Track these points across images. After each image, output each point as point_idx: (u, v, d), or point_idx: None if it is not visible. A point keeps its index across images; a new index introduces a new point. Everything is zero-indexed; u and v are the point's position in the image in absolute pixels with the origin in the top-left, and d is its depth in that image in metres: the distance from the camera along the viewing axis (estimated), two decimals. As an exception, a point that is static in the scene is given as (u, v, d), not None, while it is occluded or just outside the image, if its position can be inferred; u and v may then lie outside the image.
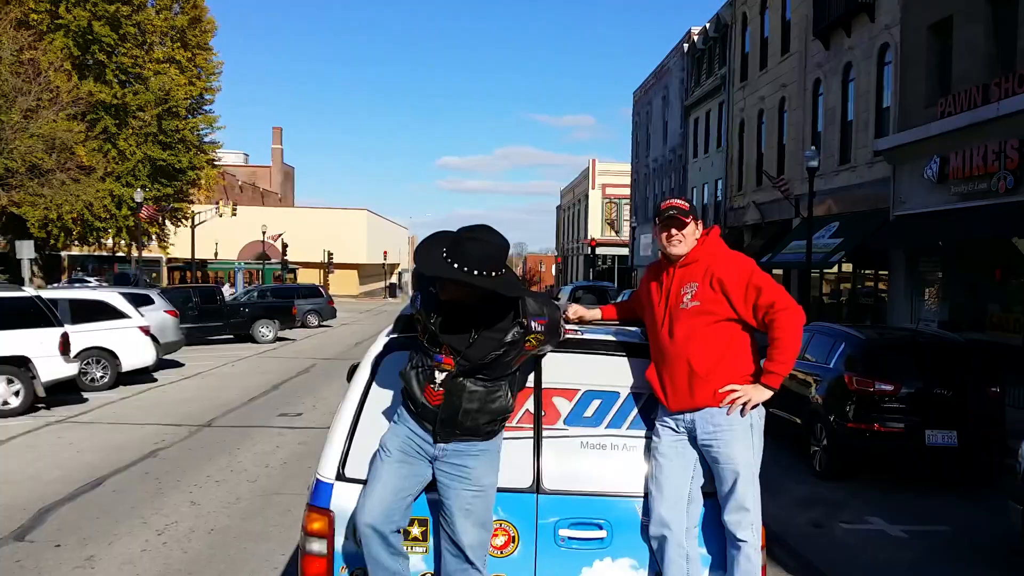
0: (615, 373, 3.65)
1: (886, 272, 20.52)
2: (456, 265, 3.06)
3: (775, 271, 25.62)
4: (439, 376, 3.24)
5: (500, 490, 3.37)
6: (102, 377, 14.72)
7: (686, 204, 3.63)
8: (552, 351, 3.58)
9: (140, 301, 17.05)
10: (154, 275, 51.36)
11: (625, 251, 55.79)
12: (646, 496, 3.46)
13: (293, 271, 57.58)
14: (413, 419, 3.34)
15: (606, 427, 3.55)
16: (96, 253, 43.57)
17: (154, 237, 38.81)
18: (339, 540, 3.37)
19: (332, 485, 3.42)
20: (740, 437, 3.46)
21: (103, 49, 33.19)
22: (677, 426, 3.51)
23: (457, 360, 3.21)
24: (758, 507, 3.45)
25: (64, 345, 12.68)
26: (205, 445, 10.22)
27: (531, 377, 3.56)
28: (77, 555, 6.24)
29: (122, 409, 12.93)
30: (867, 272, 22.42)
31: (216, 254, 58.78)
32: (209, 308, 24.02)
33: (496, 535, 3.37)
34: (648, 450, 3.54)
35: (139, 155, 34.39)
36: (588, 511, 3.40)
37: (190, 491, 8.06)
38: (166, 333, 17.40)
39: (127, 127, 34.06)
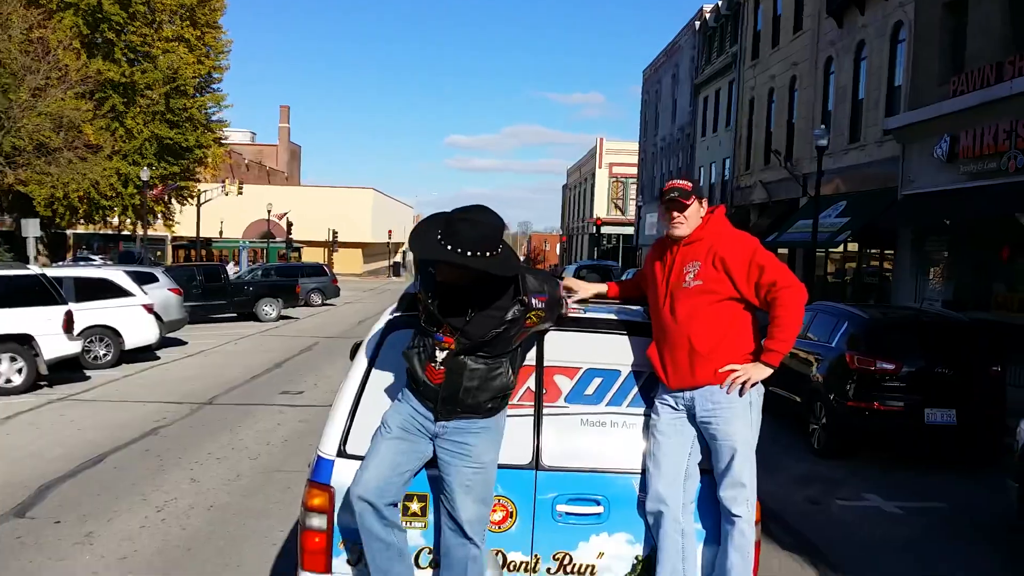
0: (617, 351, 3.68)
1: (892, 251, 20.43)
2: (450, 247, 3.05)
3: (780, 250, 25.52)
4: (440, 355, 3.25)
5: (500, 467, 3.40)
6: (105, 355, 14.75)
7: (688, 184, 3.61)
8: (554, 329, 3.61)
9: (144, 279, 17.06)
10: (159, 253, 51.50)
11: (630, 230, 55.71)
12: (643, 473, 3.49)
13: (298, 250, 57.62)
14: (416, 397, 3.35)
15: (606, 405, 3.58)
16: (101, 231, 43.72)
17: (160, 216, 38.84)
18: (339, 516, 3.40)
19: (333, 461, 3.45)
20: (739, 414, 3.49)
21: (112, 27, 33.00)
22: (676, 404, 3.54)
23: (457, 338, 3.21)
24: (754, 483, 3.48)
25: (68, 323, 12.70)
26: (207, 423, 10.24)
27: (533, 355, 3.58)
28: (77, 531, 6.27)
29: (124, 387, 12.97)
30: (873, 251, 22.33)
31: (221, 232, 58.83)
32: (213, 286, 24.05)
33: (494, 510, 3.41)
34: (647, 428, 3.56)
35: (146, 133, 34.31)
36: (586, 487, 3.45)
37: (191, 468, 8.08)
38: (170, 311, 17.41)
39: (135, 105, 33.96)
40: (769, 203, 28.55)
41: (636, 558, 3.48)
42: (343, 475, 3.38)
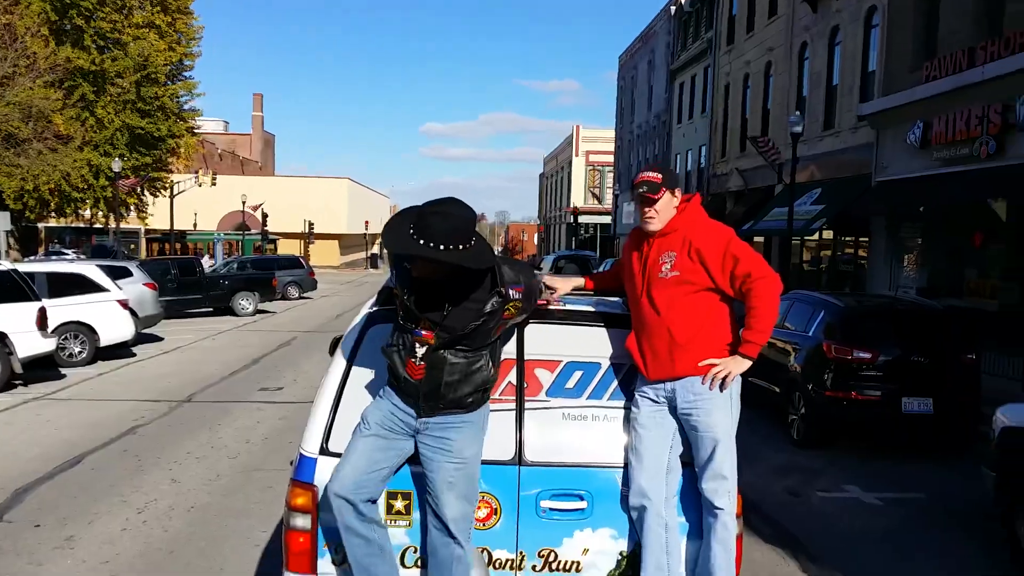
0: (596, 344, 3.69)
1: (866, 239, 20.60)
2: (422, 241, 3.03)
3: (756, 239, 25.65)
4: (420, 350, 3.23)
5: (483, 463, 3.39)
6: (80, 352, 14.57)
7: (658, 176, 3.59)
8: (534, 322, 3.61)
9: (118, 274, 16.86)
10: (132, 247, 50.92)
11: (608, 219, 55.76)
12: (626, 466, 3.50)
13: (273, 242, 57.17)
14: (397, 394, 3.34)
15: (587, 398, 3.58)
16: (73, 225, 43.07)
17: (132, 208, 38.35)
18: (323, 515, 3.38)
19: (316, 460, 3.43)
20: (720, 406, 3.51)
21: (81, 13, 32.42)
22: (656, 396, 3.54)
23: (437, 332, 3.19)
24: (735, 475, 3.51)
25: (42, 320, 12.52)
26: (185, 421, 10.16)
27: (514, 349, 3.58)
28: (57, 535, 6.20)
29: (100, 385, 12.83)
30: (847, 239, 22.50)
31: (195, 225, 58.21)
32: (188, 280, 23.79)
33: (479, 507, 3.40)
34: (628, 421, 3.57)
35: (117, 123, 33.82)
36: (569, 482, 3.44)
37: (170, 468, 8.02)
38: (145, 306, 17.23)
39: (105, 94, 33.43)
40: (745, 191, 28.67)
41: (621, 554, 3.49)
42: (326, 474, 3.36)
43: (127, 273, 17.66)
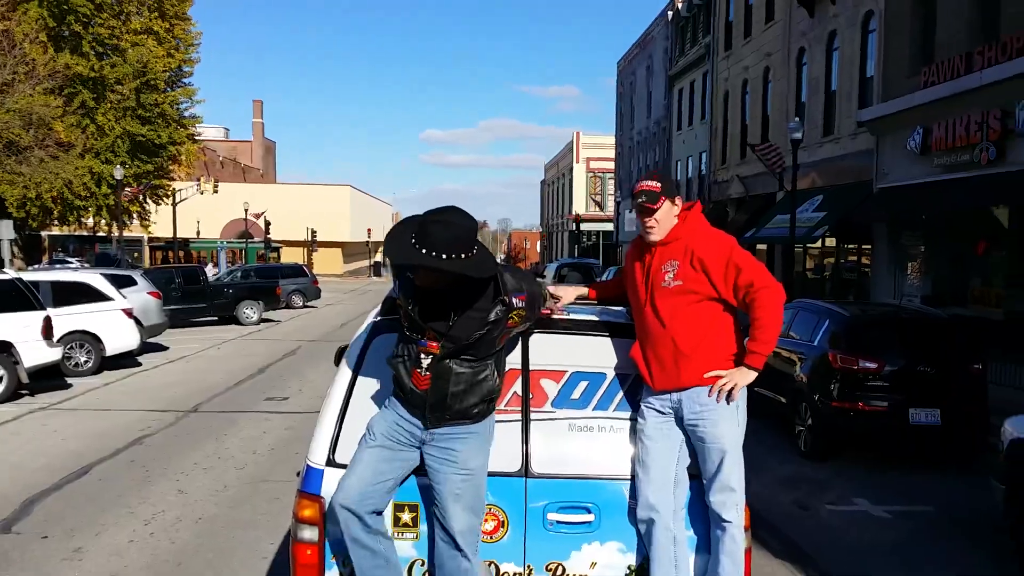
0: (601, 354, 3.67)
1: (869, 246, 20.55)
2: (424, 250, 3.03)
3: (759, 246, 25.63)
4: (425, 360, 3.23)
5: (489, 474, 3.37)
6: (86, 362, 14.60)
7: (657, 185, 3.58)
8: (538, 332, 3.60)
9: (123, 282, 16.88)
10: (136, 255, 50.97)
11: (610, 226, 55.71)
12: (633, 479, 3.48)
13: (276, 250, 57.20)
14: (403, 405, 3.34)
15: (593, 409, 3.56)
16: (77, 233, 43.10)
17: (135, 216, 38.40)
18: (329, 527, 3.37)
19: (323, 471, 3.42)
20: (727, 416, 3.49)
21: (79, 19, 32.44)
22: (662, 407, 3.53)
23: (442, 343, 3.20)
24: (743, 487, 3.49)
25: (47, 329, 12.55)
26: (191, 431, 10.18)
27: (519, 359, 3.57)
28: (65, 546, 6.22)
29: (107, 395, 12.85)
30: (850, 247, 22.46)
31: (198, 233, 58.27)
32: (192, 289, 23.84)
33: (486, 520, 3.39)
34: (634, 432, 3.55)
35: (118, 130, 33.84)
36: (576, 494, 3.43)
37: (177, 479, 8.04)
38: (150, 315, 17.25)
39: (105, 101, 33.45)
40: (746, 197, 28.66)
41: (629, 567, 3.47)
42: (333, 485, 3.35)
43: (131, 282, 17.69)
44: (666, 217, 3.57)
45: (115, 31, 33.44)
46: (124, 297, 15.54)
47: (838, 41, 21.86)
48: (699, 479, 3.54)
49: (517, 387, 3.55)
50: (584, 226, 60.79)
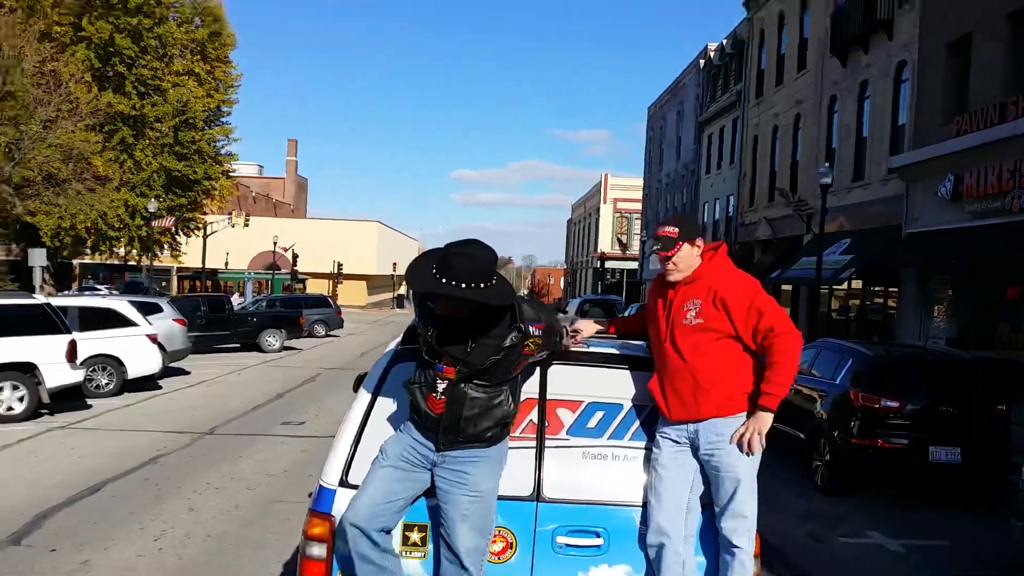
0: (619, 385, 3.71)
1: (896, 289, 20.38)
2: (444, 280, 3.13)
3: (784, 287, 25.47)
4: (441, 385, 3.29)
5: (501, 498, 3.40)
6: (107, 384, 14.74)
7: (675, 231, 3.65)
8: (557, 363, 3.65)
9: (149, 309, 17.14)
10: (164, 284, 51.63)
11: (634, 265, 55.79)
12: (644, 505, 3.50)
13: (303, 281, 57.75)
14: (417, 429, 3.38)
15: (608, 438, 3.60)
16: (108, 261, 43.85)
17: (166, 247, 39.01)
18: (338, 545, 3.39)
19: (335, 491, 3.47)
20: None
21: (124, 61, 33.43)
22: (678, 437, 3.56)
23: (458, 368, 3.25)
24: (755, 516, 3.51)
25: (71, 352, 12.72)
26: (207, 452, 10.20)
27: (536, 388, 3.61)
28: (72, 560, 6.22)
29: (126, 416, 12.94)
30: (876, 289, 22.27)
31: (227, 263, 59.02)
32: (217, 317, 24.10)
33: (494, 541, 3.40)
34: (648, 461, 3.57)
35: (155, 165, 34.61)
36: (586, 519, 3.45)
37: (189, 498, 8.03)
38: (174, 341, 17.45)
39: (144, 138, 34.29)
40: (773, 240, 28.58)
41: (637, 591, 3.44)
42: (344, 505, 3.38)
43: (157, 309, 17.95)
44: (686, 258, 3.64)
45: (158, 72, 34.40)
46: (149, 323, 15.74)
47: (870, 90, 21.91)
48: (711, 507, 3.55)
49: (533, 415, 3.59)
50: (608, 264, 60.83)
